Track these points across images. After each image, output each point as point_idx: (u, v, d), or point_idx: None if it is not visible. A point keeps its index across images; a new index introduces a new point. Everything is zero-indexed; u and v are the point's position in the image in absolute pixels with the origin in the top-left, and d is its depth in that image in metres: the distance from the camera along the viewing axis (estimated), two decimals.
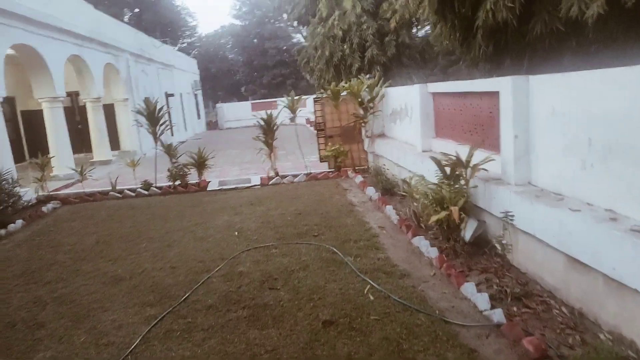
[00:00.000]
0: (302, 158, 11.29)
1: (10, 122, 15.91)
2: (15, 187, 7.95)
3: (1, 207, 7.47)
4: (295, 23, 21.29)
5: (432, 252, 4.69)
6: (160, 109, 9.58)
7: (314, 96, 10.99)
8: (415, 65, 16.08)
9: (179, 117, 24.35)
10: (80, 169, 9.49)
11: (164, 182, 9.70)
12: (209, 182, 9.85)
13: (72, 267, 5.33)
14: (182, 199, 8.79)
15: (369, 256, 4.88)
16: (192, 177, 9.83)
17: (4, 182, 7.68)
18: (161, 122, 9.60)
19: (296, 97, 10.16)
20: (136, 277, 4.88)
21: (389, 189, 7.47)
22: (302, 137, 12.87)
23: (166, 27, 38.61)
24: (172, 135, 22.08)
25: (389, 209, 6.42)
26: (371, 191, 7.56)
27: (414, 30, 16.39)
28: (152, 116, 9.41)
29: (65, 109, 17.00)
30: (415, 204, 5.83)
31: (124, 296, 4.43)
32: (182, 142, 13.90)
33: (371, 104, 9.19)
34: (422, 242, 4.99)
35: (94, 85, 13.92)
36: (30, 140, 16.26)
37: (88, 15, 13.98)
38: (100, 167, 13.54)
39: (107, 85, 15.85)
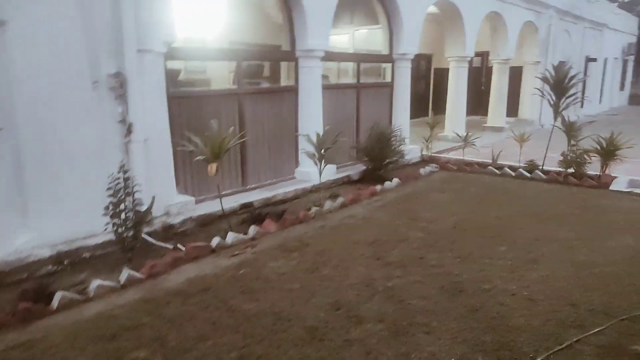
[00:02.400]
0: None
1: (424, 78, 17.13)
2: (401, 145, 8.06)
3: (385, 163, 7.74)
4: None
5: None
6: (572, 77, 7.69)
7: None
8: None
9: (595, 87, 20.68)
10: (465, 136, 8.89)
11: (554, 165, 7.97)
12: (614, 178, 7.47)
13: (421, 252, 4.75)
14: (569, 194, 6.95)
15: None
16: (592, 167, 7.69)
17: (393, 140, 7.86)
18: (569, 93, 7.74)
19: None
20: (479, 295, 3.81)
21: None
22: None
23: None
24: (582, 107, 19.03)
25: None
26: None
27: None
28: (559, 86, 7.67)
29: (474, 69, 17.18)
30: None
31: (457, 318, 3.45)
32: (591, 122, 11.29)
33: None
34: None
35: (506, 46, 12.92)
36: (436, 97, 17.08)
37: None
38: (491, 134, 12.79)
39: (520, 46, 14.58)
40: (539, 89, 8.20)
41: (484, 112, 14.63)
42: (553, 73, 7.75)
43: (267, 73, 8.96)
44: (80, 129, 4.56)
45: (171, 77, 5.91)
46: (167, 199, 5.37)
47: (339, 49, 11.62)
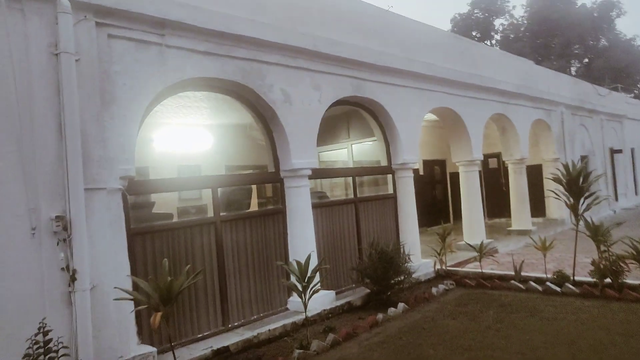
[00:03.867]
0: None
1: (440, 183, 16.61)
2: (407, 262, 7.23)
3: (391, 284, 6.88)
4: None
5: None
6: (587, 175, 6.94)
7: None
8: None
9: (627, 178, 19.60)
10: (479, 246, 8.00)
11: (586, 273, 6.90)
12: None
13: None
14: (609, 312, 5.82)
15: None
16: (633, 275, 6.59)
17: (397, 257, 7.07)
18: (587, 192, 6.94)
19: None
20: None
21: None
22: None
23: (619, 73, 33.33)
24: (617, 200, 17.84)
25: None
26: None
27: None
28: (574, 185, 6.90)
29: (491, 171, 16.62)
30: None
31: None
32: (619, 224, 10.32)
33: None
34: None
35: (518, 146, 12.43)
36: (455, 203, 16.37)
37: (515, 68, 12.75)
38: (517, 238, 11.77)
39: (535, 144, 14.11)
40: (552, 191, 7.42)
41: (509, 214, 13.71)
42: (564, 171, 7.01)
43: (268, 194, 8.61)
44: (15, 280, 4.06)
45: (139, 211, 5.53)
46: (122, 351, 4.64)
47: (337, 164, 11.42)
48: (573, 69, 34.45)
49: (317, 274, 5.60)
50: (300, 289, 5.32)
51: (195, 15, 5.43)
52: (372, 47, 7.81)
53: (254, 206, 8.34)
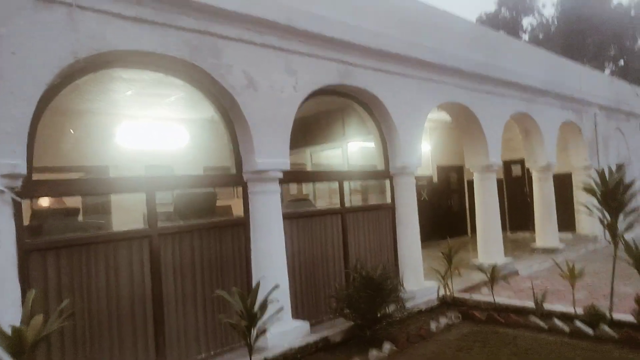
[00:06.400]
0: None
1: (456, 192, 15.11)
2: (401, 289, 5.87)
3: (377, 317, 5.53)
4: None
5: None
6: (627, 186, 5.44)
7: None
8: None
9: None
10: (491, 271, 6.56)
11: (626, 312, 5.42)
12: None
13: None
14: None
15: None
16: None
17: (385, 282, 5.71)
18: (629, 208, 5.44)
19: None
20: None
21: None
22: None
23: None
24: None
25: None
26: None
27: None
28: (612, 199, 5.40)
29: (514, 179, 15.01)
30: None
31: None
32: None
33: None
34: None
35: (543, 150, 10.87)
36: (473, 213, 14.82)
37: (541, 62, 11.17)
38: (542, 257, 10.22)
39: (563, 149, 12.50)
40: (586, 206, 5.92)
41: (534, 228, 12.12)
42: (598, 181, 5.51)
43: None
44: None
45: (49, 220, 4.35)
46: None
47: (322, 166, 10.09)
48: (607, 71, 32.28)
49: (272, 305, 4.31)
50: (243, 328, 4.03)
51: None
52: (364, 26, 6.49)
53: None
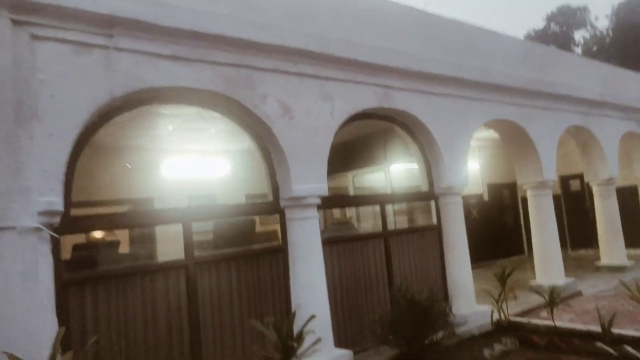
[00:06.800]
0: None
1: (510, 209, 14.45)
2: (448, 314, 5.58)
3: (424, 344, 5.27)
4: None
5: None
6: None
7: None
8: None
9: None
10: (550, 292, 6.11)
11: None
12: None
13: None
14: None
15: None
16: None
17: (433, 305, 5.44)
18: None
19: None
20: None
21: None
22: None
23: None
24: None
25: None
26: None
27: None
28: None
29: (572, 194, 14.14)
30: None
31: None
32: None
33: None
34: None
35: (605, 164, 10.21)
36: (529, 231, 14.09)
37: (597, 74, 10.58)
38: (607, 276, 9.49)
39: (626, 162, 11.72)
40: None
41: (598, 245, 11.32)
42: None
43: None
44: None
45: (85, 253, 4.49)
46: None
47: (373, 188, 9.94)
48: None
49: (309, 336, 4.18)
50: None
51: (156, 12, 4.41)
52: (404, 50, 6.39)
53: None
